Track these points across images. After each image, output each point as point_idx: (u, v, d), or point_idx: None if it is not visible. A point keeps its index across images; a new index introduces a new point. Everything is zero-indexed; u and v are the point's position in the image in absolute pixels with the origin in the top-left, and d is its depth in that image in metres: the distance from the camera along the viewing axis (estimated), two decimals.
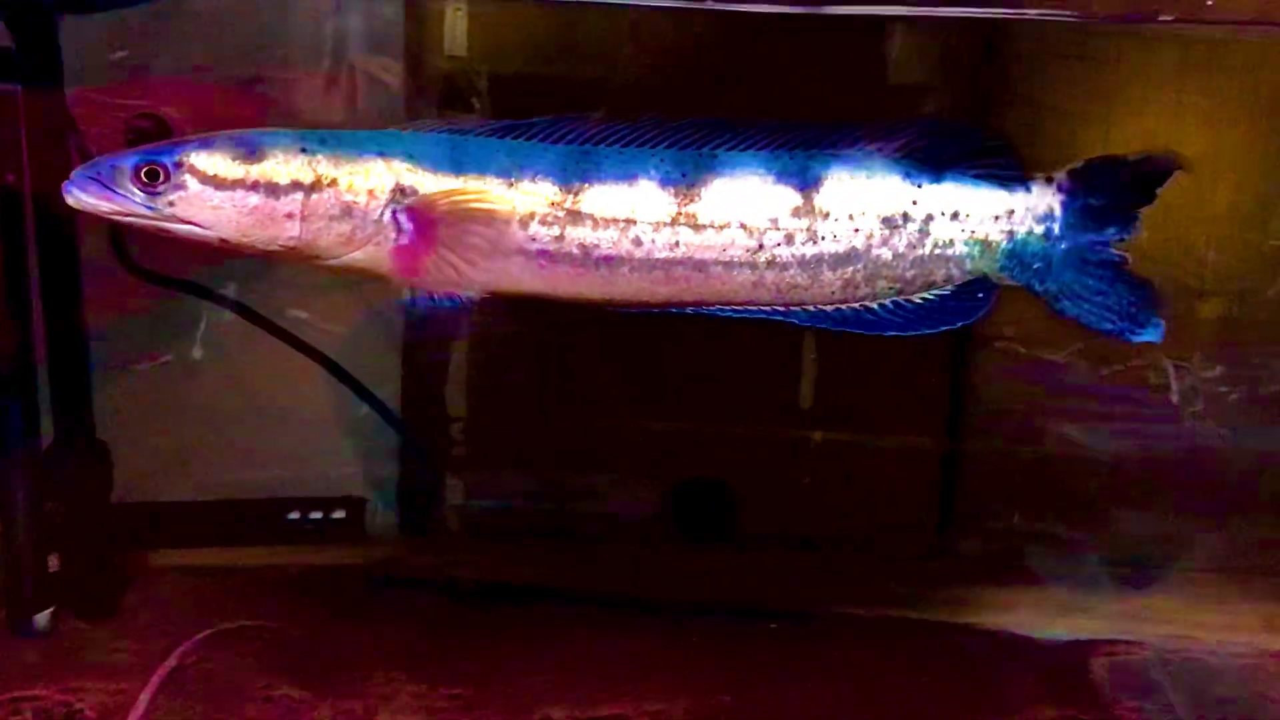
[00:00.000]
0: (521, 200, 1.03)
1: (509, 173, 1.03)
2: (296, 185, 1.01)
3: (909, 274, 1.06)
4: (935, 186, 1.05)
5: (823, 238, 1.04)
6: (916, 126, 1.07)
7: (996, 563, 1.71)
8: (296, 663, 1.43)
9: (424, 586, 1.65)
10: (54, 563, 1.49)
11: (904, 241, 1.05)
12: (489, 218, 1.03)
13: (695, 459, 1.72)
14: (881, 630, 1.57)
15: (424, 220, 1.03)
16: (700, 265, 1.04)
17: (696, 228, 1.04)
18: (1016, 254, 1.06)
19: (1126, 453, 1.65)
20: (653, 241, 1.04)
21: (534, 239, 1.04)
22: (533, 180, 1.03)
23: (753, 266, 1.05)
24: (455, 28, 1.70)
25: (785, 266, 1.05)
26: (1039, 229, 1.05)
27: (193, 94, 1.58)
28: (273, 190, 1.01)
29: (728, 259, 1.04)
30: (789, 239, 1.04)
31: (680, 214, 1.04)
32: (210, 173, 1.00)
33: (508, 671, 1.43)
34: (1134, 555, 1.66)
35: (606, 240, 1.04)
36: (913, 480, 1.74)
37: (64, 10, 1.40)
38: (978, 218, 1.05)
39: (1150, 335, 1.07)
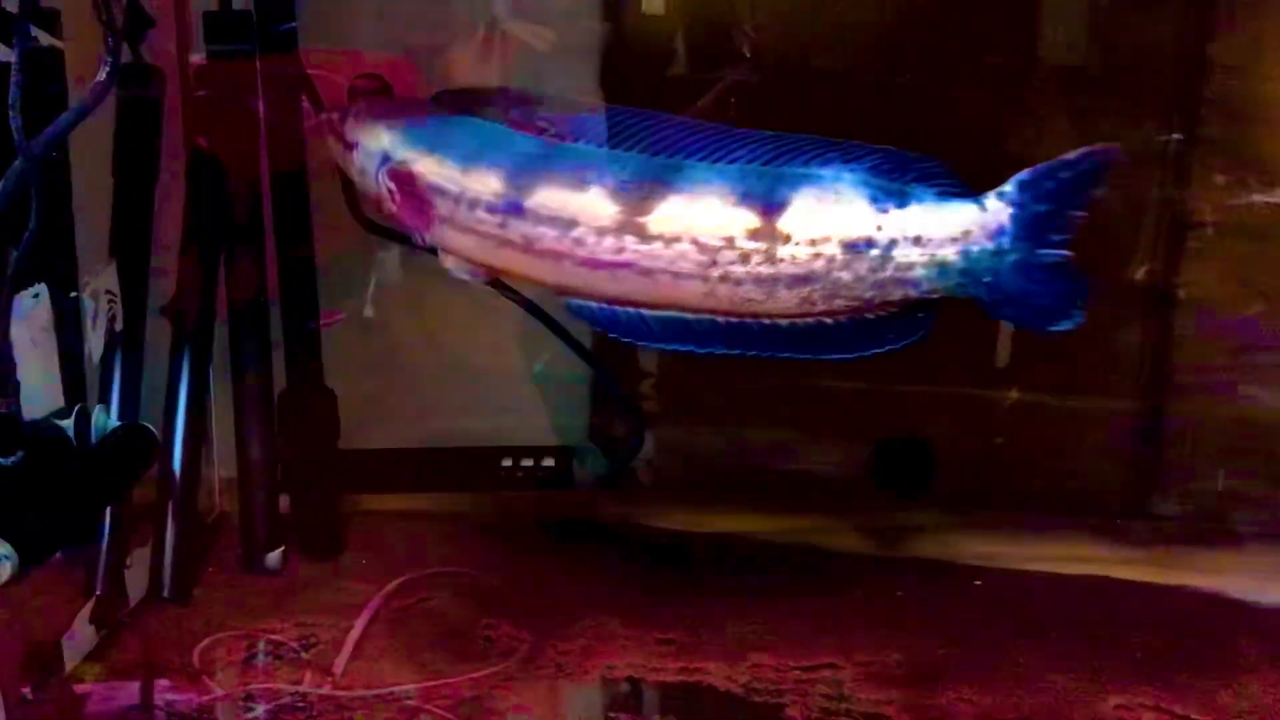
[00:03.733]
0: (472, 185, 1.08)
1: (468, 159, 1.09)
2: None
3: (868, 295, 1.05)
4: (900, 212, 1.03)
5: (781, 260, 1.04)
6: (880, 153, 1.05)
7: (1198, 525, 1.68)
8: (511, 605, 1.48)
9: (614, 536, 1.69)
10: (284, 504, 1.56)
11: (866, 265, 1.04)
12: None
13: (890, 417, 1.72)
14: (1090, 590, 1.56)
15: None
16: (646, 273, 1.05)
17: (644, 238, 1.04)
18: (970, 271, 1.03)
19: None
20: (596, 244, 1.05)
21: (481, 222, 1.08)
22: (485, 169, 1.08)
23: (705, 279, 1.04)
24: None
25: (740, 282, 1.04)
26: (990, 245, 1.03)
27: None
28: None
29: (676, 270, 1.04)
30: (745, 259, 1.04)
31: (628, 223, 1.04)
32: None
33: (716, 619, 1.46)
34: None
35: (547, 237, 1.06)
36: (1110, 440, 1.72)
37: None
38: (938, 241, 1.03)
39: (1066, 325, 1.04)
